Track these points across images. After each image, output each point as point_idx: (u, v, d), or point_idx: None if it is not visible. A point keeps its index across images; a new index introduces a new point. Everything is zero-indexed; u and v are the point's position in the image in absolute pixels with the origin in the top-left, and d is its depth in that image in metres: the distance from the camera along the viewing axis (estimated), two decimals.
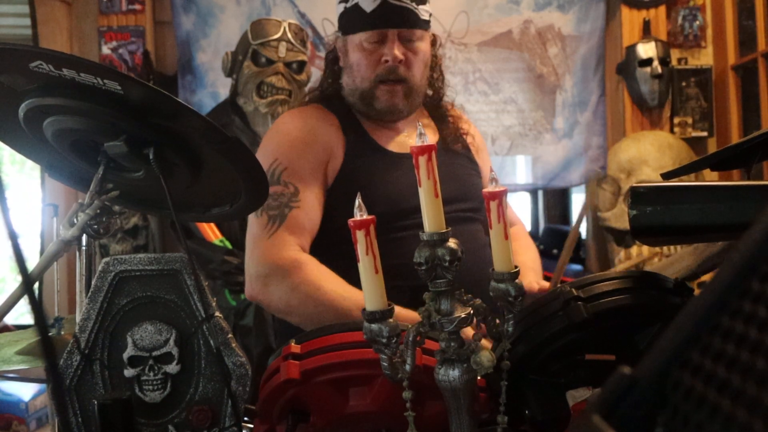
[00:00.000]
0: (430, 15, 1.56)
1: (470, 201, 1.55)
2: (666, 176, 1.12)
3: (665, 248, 2.82)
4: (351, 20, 1.53)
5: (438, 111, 1.68)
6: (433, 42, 1.63)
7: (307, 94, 1.72)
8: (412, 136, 1.58)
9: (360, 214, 0.74)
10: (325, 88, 1.64)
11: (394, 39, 1.51)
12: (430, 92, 1.67)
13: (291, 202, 1.46)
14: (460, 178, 1.60)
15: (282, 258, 1.40)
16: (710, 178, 1.63)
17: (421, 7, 1.51)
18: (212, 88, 3.27)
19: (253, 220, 1.48)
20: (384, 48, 1.51)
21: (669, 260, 1.29)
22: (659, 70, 3.31)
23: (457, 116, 1.71)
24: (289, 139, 1.54)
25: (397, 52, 1.50)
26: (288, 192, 1.46)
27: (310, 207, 1.47)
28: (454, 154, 1.63)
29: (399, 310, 1.28)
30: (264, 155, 1.52)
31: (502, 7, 3.40)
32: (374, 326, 0.74)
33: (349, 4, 1.52)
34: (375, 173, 1.51)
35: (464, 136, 1.68)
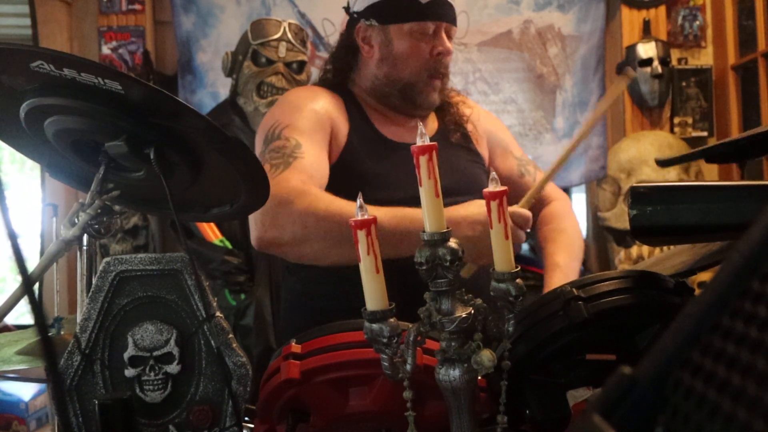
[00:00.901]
0: None
1: (469, 194, 1.53)
2: (662, 164, 1.12)
3: (665, 248, 2.82)
4: (398, 9, 1.52)
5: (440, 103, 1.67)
6: None
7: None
8: (407, 126, 1.58)
9: (361, 214, 0.74)
10: (328, 78, 1.63)
11: (442, 32, 1.52)
12: None
13: (294, 152, 1.41)
14: (459, 170, 1.58)
15: (287, 189, 1.33)
16: (710, 178, 1.63)
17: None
18: (212, 88, 3.27)
19: None
20: (435, 40, 1.51)
21: (666, 254, 1.29)
22: (659, 70, 3.31)
23: (461, 101, 1.69)
24: (292, 104, 1.52)
25: (450, 45, 1.52)
26: (290, 145, 1.42)
27: (315, 158, 1.42)
28: (453, 145, 1.62)
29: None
30: (266, 121, 1.51)
31: (502, 7, 3.40)
32: (375, 326, 0.74)
33: None
34: (375, 159, 1.50)
35: (465, 125, 1.66)
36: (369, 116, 1.57)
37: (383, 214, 1.27)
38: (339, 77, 1.61)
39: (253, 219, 1.38)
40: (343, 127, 1.52)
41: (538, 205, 1.66)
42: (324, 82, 1.62)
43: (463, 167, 1.60)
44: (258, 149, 1.49)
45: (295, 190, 1.33)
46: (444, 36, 1.52)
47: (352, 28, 1.59)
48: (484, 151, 1.69)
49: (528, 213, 1.38)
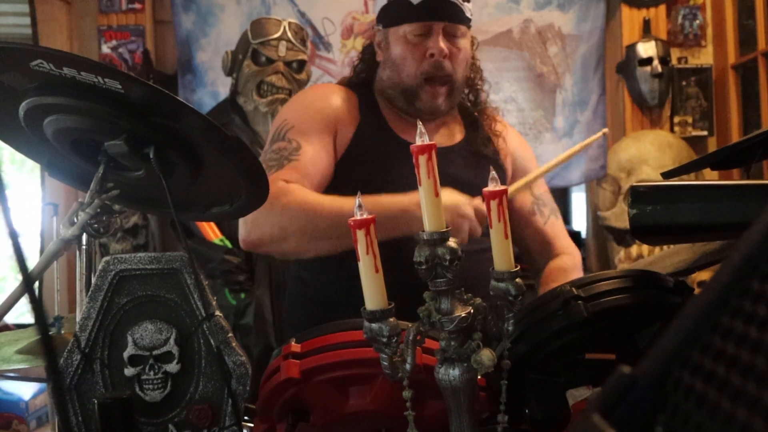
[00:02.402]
0: (471, 13, 1.54)
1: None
2: (666, 175, 1.12)
3: (665, 247, 2.82)
4: (395, 12, 1.52)
5: (469, 111, 1.66)
6: (471, 43, 1.61)
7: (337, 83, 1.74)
8: (428, 128, 1.57)
9: (360, 213, 0.74)
10: (353, 77, 1.65)
11: (439, 32, 1.49)
12: (466, 90, 1.65)
13: (291, 155, 1.46)
14: (482, 184, 1.57)
15: (270, 191, 1.39)
16: (710, 178, 1.63)
17: (465, 3, 1.50)
18: (212, 87, 3.27)
19: None
20: (429, 41, 1.49)
21: (665, 253, 1.29)
22: (659, 69, 3.31)
23: (491, 117, 1.67)
24: (303, 104, 1.58)
25: (443, 45, 1.48)
26: (290, 147, 1.47)
27: (311, 157, 1.46)
28: (481, 157, 1.58)
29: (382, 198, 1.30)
30: (276, 120, 1.56)
31: (502, 6, 3.40)
32: (374, 325, 0.74)
33: None
34: (383, 156, 1.50)
35: (496, 138, 1.63)
36: (385, 116, 1.57)
37: (327, 203, 1.35)
38: (361, 78, 1.63)
39: (240, 221, 1.43)
40: (350, 125, 1.53)
41: (546, 254, 1.63)
42: (348, 81, 1.65)
43: (485, 182, 1.59)
44: (265, 146, 1.55)
45: (276, 191, 1.36)
46: (439, 37, 1.48)
47: (375, 31, 1.62)
48: (509, 170, 1.66)
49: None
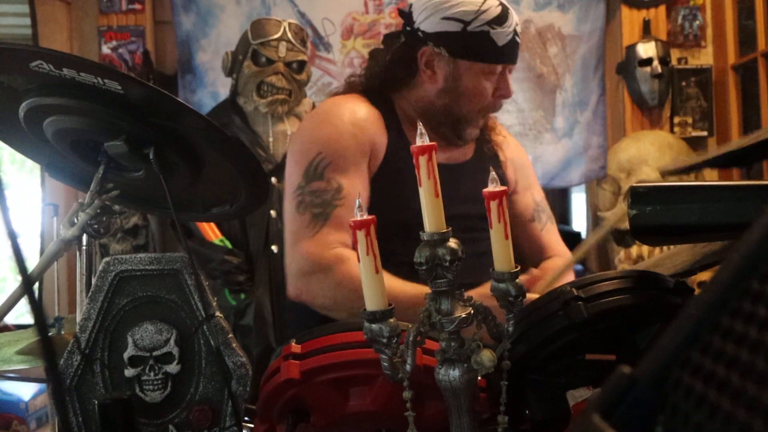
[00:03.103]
0: None
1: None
2: (666, 174, 1.12)
3: (665, 248, 2.82)
4: (474, 47, 1.47)
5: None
6: None
7: (348, 78, 1.66)
8: (441, 147, 1.56)
9: (360, 215, 0.74)
10: (370, 84, 1.58)
11: (508, 74, 1.51)
12: None
13: (335, 200, 1.42)
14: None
15: (325, 257, 1.38)
16: (710, 178, 1.63)
17: None
18: (212, 88, 3.27)
19: (294, 216, 1.44)
20: (501, 82, 1.50)
21: (666, 254, 1.29)
22: (659, 69, 3.31)
23: (491, 127, 1.67)
24: (337, 130, 1.47)
25: (512, 88, 1.52)
26: (331, 189, 1.43)
27: (353, 200, 1.43)
28: (489, 171, 1.59)
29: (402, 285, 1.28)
30: (308, 144, 1.48)
31: None
32: (374, 326, 0.74)
33: (472, 29, 1.44)
34: (409, 176, 1.49)
35: (495, 148, 1.64)
36: (405, 132, 1.53)
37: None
38: (385, 87, 1.56)
39: (289, 271, 1.43)
40: (381, 143, 1.49)
41: (538, 258, 1.66)
42: (366, 90, 1.57)
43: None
44: (296, 178, 1.47)
45: (334, 258, 1.37)
46: (509, 78, 1.51)
47: (414, 44, 1.51)
48: (511, 180, 1.66)
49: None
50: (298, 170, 1.47)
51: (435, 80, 1.51)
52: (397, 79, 1.55)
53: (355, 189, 1.43)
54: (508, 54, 1.48)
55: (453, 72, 1.49)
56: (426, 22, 1.48)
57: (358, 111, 1.51)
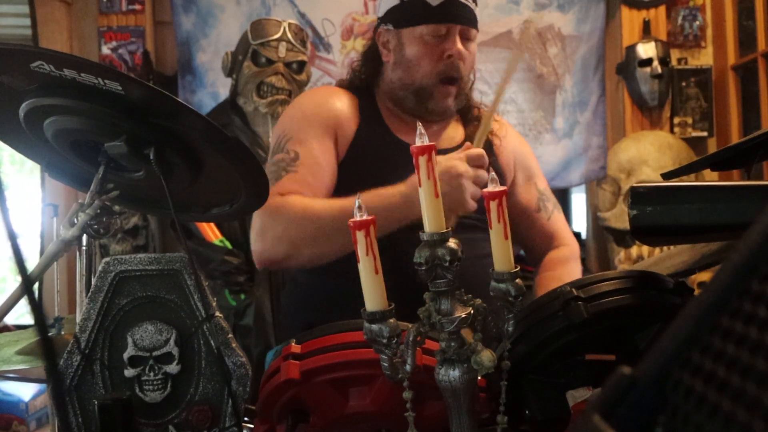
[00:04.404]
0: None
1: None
2: (666, 176, 1.12)
3: (665, 248, 2.82)
4: (411, 13, 1.51)
5: (466, 111, 1.66)
6: None
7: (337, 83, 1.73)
8: (432, 131, 1.58)
9: (360, 215, 0.74)
10: (353, 79, 1.64)
11: (456, 34, 1.50)
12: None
13: (289, 166, 1.47)
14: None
15: (270, 205, 1.36)
16: (710, 178, 1.63)
17: (476, 7, 1.54)
18: (212, 88, 3.27)
19: None
20: (445, 43, 1.50)
21: (666, 254, 1.29)
22: (659, 70, 3.31)
23: (477, 107, 1.69)
24: (300, 110, 1.59)
25: (461, 47, 1.51)
26: (288, 157, 1.48)
27: (310, 165, 1.47)
28: None
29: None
30: (277, 128, 1.57)
31: (501, 7, 3.40)
32: (374, 326, 0.74)
33: None
34: (383, 158, 1.50)
35: (491, 137, 1.64)
36: (385, 119, 1.57)
37: (327, 206, 1.38)
38: (362, 80, 1.62)
39: (252, 243, 1.47)
40: (350, 126, 1.53)
41: (548, 246, 1.67)
42: (348, 83, 1.64)
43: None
44: (268, 161, 1.56)
45: (274, 207, 1.39)
46: (456, 38, 1.50)
47: (375, 32, 1.60)
48: (506, 168, 1.65)
49: (480, 150, 1.39)
50: (270, 150, 1.56)
51: (389, 57, 1.57)
52: (368, 69, 1.62)
53: (312, 156, 1.48)
54: (445, 13, 1.49)
55: (399, 43, 1.55)
56: (381, 7, 1.57)
57: (329, 96, 1.59)
